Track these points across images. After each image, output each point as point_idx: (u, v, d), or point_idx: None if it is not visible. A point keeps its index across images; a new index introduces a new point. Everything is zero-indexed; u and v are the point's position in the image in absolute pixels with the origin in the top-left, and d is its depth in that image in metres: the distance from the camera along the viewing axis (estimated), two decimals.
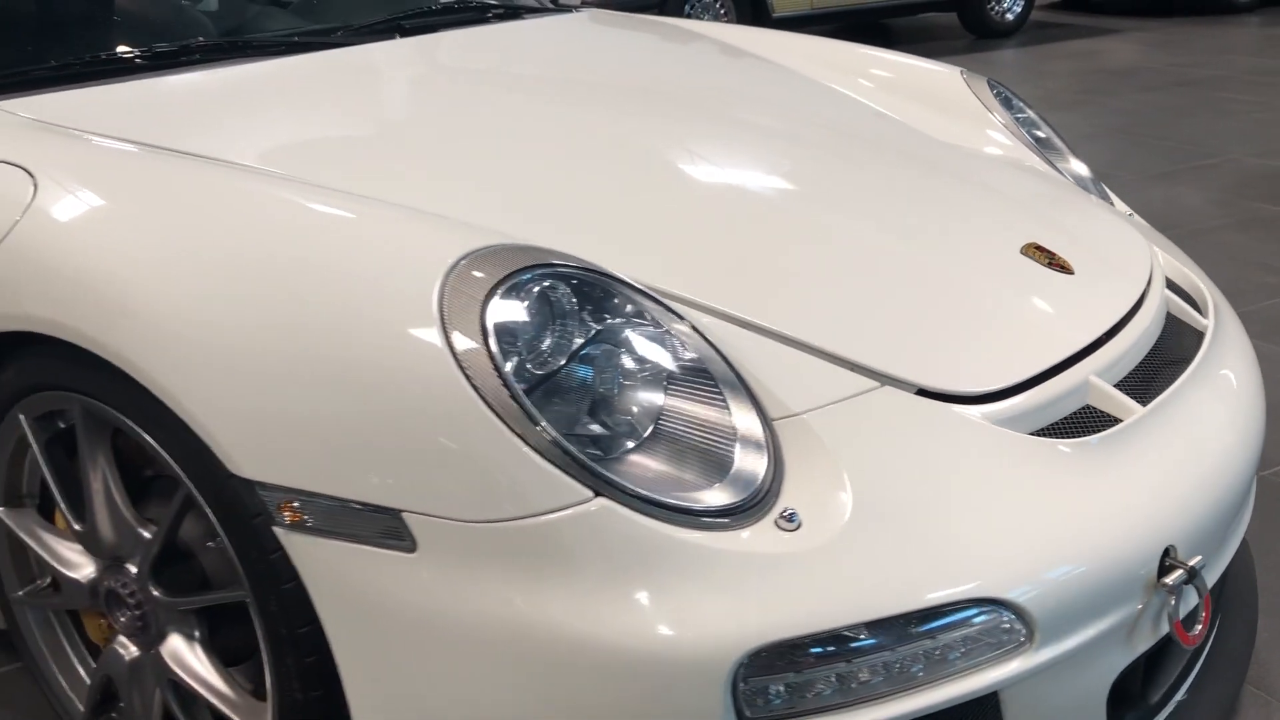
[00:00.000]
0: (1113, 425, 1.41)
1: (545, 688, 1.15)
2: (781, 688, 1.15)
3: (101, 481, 1.46)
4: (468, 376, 1.16)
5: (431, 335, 1.17)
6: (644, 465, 1.20)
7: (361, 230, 1.30)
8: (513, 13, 2.41)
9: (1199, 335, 1.68)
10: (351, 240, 1.29)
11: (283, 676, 1.33)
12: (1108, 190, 2.20)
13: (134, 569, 1.47)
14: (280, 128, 1.76)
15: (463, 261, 1.23)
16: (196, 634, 1.47)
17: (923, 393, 1.35)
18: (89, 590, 1.54)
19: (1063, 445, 1.35)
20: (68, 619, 1.68)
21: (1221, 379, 1.59)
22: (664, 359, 1.25)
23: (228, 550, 1.32)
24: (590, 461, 1.15)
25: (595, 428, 1.21)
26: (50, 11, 2.11)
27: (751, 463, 1.21)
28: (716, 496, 1.18)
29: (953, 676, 1.20)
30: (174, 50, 1.92)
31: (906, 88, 2.26)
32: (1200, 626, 1.38)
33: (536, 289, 1.24)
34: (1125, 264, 1.72)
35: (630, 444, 1.21)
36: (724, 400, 1.24)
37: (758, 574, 1.14)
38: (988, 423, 1.34)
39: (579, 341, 1.23)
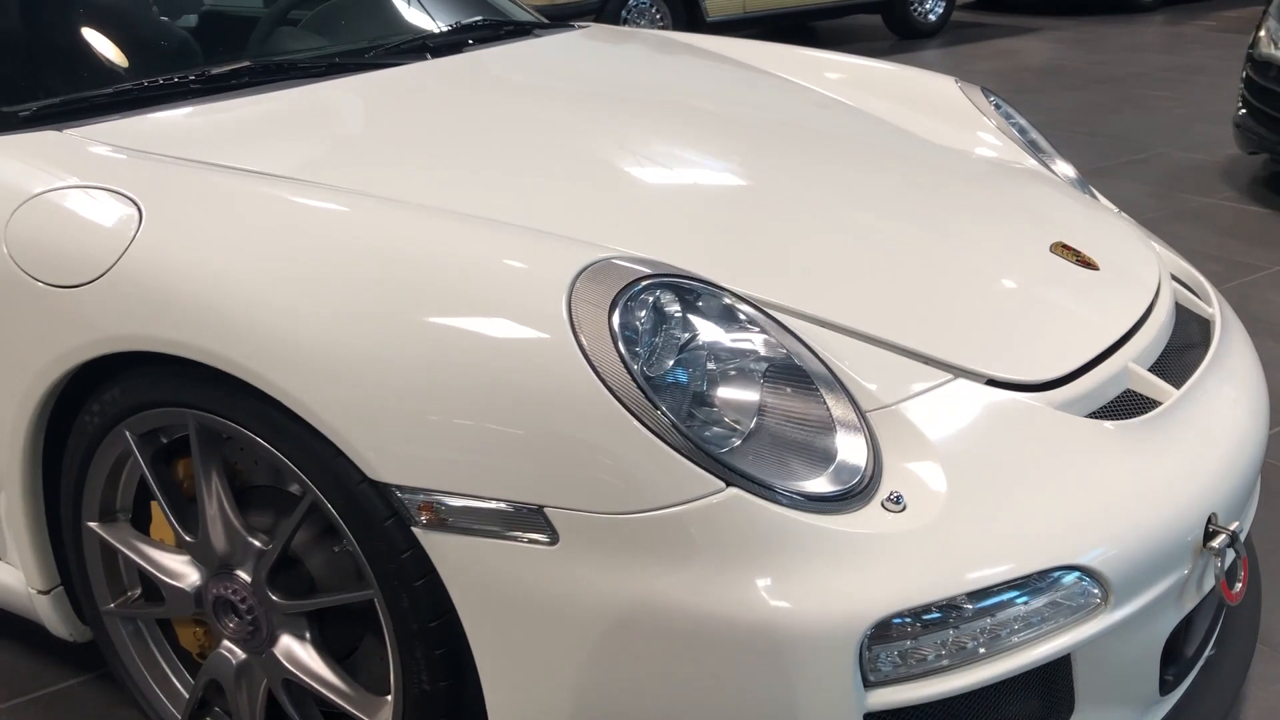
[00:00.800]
0: (1153, 408, 1.55)
1: (684, 669, 1.25)
2: (896, 655, 1.27)
3: (214, 493, 1.52)
4: (601, 378, 1.25)
5: (563, 340, 1.27)
6: (757, 456, 1.30)
7: (481, 248, 1.38)
8: (523, 30, 2.50)
9: (1205, 322, 1.85)
10: (474, 257, 1.37)
11: (410, 669, 1.41)
12: (1094, 190, 2.36)
13: (246, 576, 1.53)
14: (357, 148, 1.83)
15: (584, 273, 1.32)
16: (307, 635, 1.54)
17: (991, 383, 1.48)
18: (194, 599, 1.60)
19: (1114, 426, 1.49)
20: (158, 628, 1.73)
21: (1233, 362, 1.74)
22: (762, 358, 1.36)
23: (355, 553, 1.40)
24: (719, 454, 1.25)
25: (706, 424, 1.31)
26: (83, 38, 2.14)
27: (853, 451, 1.32)
28: (826, 484, 1.29)
29: (1040, 638, 1.32)
30: (224, 74, 1.97)
31: (905, 96, 2.40)
32: (1240, 584, 1.53)
33: (650, 297, 1.33)
34: (1137, 259, 1.87)
35: (737, 440, 1.31)
36: (820, 394, 1.35)
37: (874, 552, 1.26)
38: (1050, 408, 1.47)
39: (689, 344, 1.33)
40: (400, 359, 1.30)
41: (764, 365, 1.35)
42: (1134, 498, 1.42)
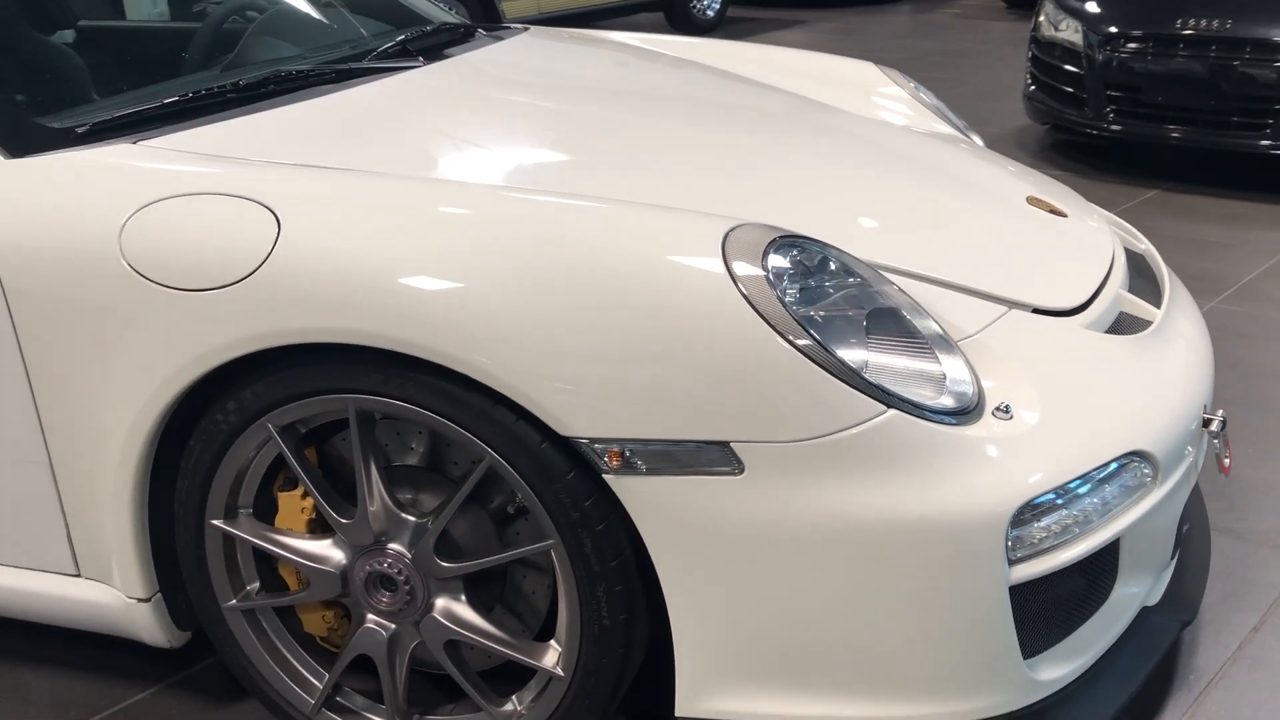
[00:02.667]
0: (1143, 326, 1.87)
1: (863, 574, 1.45)
2: (1021, 536, 1.52)
3: (372, 474, 1.61)
4: (767, 320, 1.43)
5: (726, 289, 1.44)
6: (892, 383, 1.52)
7: (632, 217, 1.54)
8: (470, 33, 2.62)
9: (1141, 256, 2.20)
10: (629, 225, 1.52)
11: (590, 608, 1.55)
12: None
13: (402, 548, 1.63)
14: (431, 145, 1.92)
15: (731, 232, 1.51)
16: (463, 595, 1.65)
17: (1036, 310, 1.76)
18: (340, 579, 1.67)
19: (1130, 340, 1.80)
20: (278, 619, 1.79)
21: (1177, 286, 2.10)
22: (872, 301, 1.57)
23: (533, 508, 1.53)
24: (874, 381, 1.47)
25: (845, 357, 1.51)
26: (81, 53, 2.12)
27: (959, 374, 1.56)
28: (950, 401, 1.53)
29: (1115, 514, 1.61)
30: (254, 83, 2.02)
31: (836, 81, 2.67)
32: (1229, 460, 1.88)
33: (789, 250, 1.53)
34: (1083, 208, 2.21)
35: (868, 370, 1.52)
36: (922, 331, 1.58)
37: (1001, 453, 1.50)
38: (1082, 329, 1.77)
39: (822, 288, 1.53)
40: (578, 321, 1.44)
41: (873, 307, 1.57)
42: (1158, 394, 1.73)
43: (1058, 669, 1.61)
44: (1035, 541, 1.53)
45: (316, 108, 1.99)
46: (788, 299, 1.47)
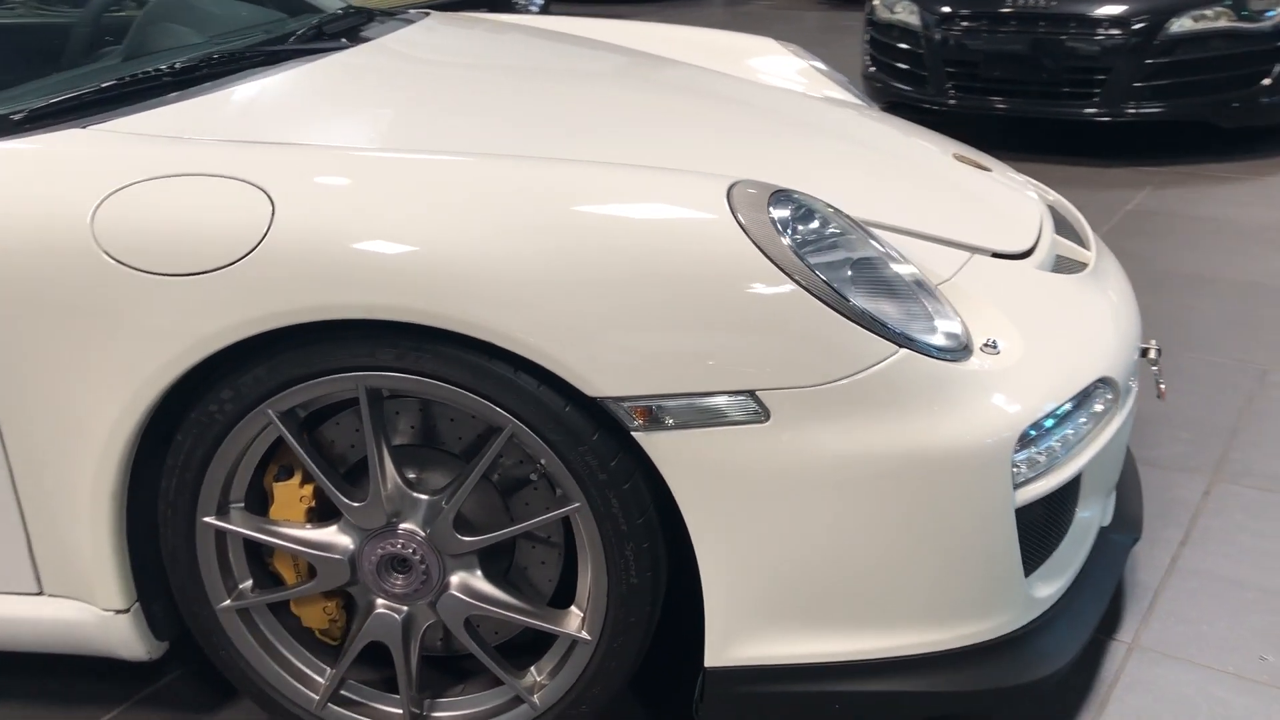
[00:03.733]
0: (1080, 267, 2.01)
1: (886, 507, 1.51)
2: (1023, 461, 1.60)
3: (384, 454, 1.57)
4: (781, 268, 1.47)
5: (738, 240, 1.47)
6: (894, 324, 1.58)
7: (636, 178, 1.55)
8: (370, 18, 2.58)
9: (1052, 205, 2.35)
10: (634, 186, 1.53)
11: (617, 567, 1.56)
12: None
13: (415, 527, 1.60)
14: (393, 119, 1.88)
15: (734, 187, 1.54)
16: (479, 569, 1.64)
17: (995, 255, 1.86)
18: (349, 566, 1.63)
19: (1076, 280, 1.92)
20: (273, 616, 1.72)
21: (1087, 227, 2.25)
22: (861, 249, 1.64)
23: (559, 473, 1.53)
24: (886, 323, 1.53)
25: (856, 301, 1.56)
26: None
27: (946, 314, 1.64)
28: (944, 340, 1.61)
29: (1092, 437, 1.72)
30: (190, 66, 1.94)
31: (740, 54, 2.75)
32: (1163, 386, 2.03)
33: (785, 202, 1.58)
34: (997, 163, 2.34)
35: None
36: (907, 278, 1.65)
37: (996, 385, 1.59)
38: (1036, 270, 1.88)
39: (821, 237, 1.58)
40: (598, 282, 1.45)
41: (860, 255, 1.63)
42: (1108, 327, 1.86)
43: (1047, 587, 1.72)
44: (1031, 466, 1.62)
45: (262, 88, 1.92)
46: (797, 248, 1.52)
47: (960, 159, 2.21)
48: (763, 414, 1.49)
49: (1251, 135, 5.05)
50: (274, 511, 1.66)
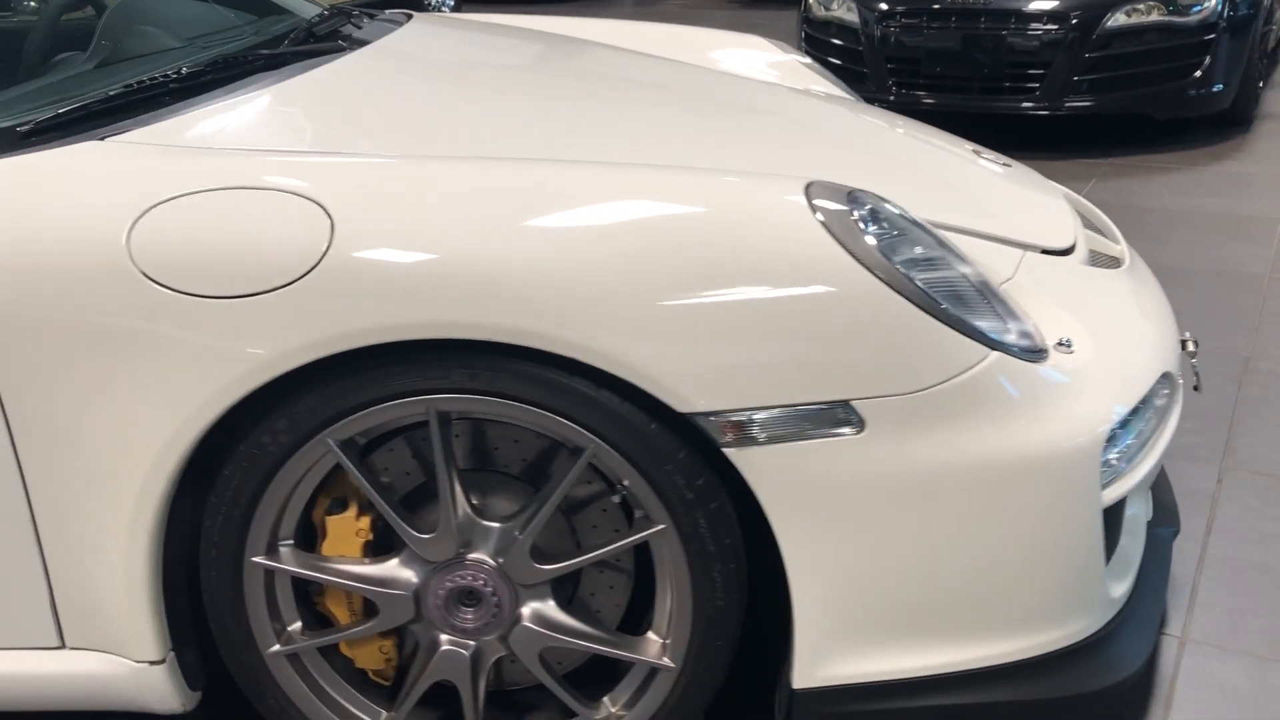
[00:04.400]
0: (1115, 263, 1.99)
1: (980, 513, 1.46)
2: (1108, 460, 1.57)
3: (454, 481, 1.47)
4: (871, 271, 1.41)
5: (826, 243, 1.41)
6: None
7: (711, 186, 1.48)
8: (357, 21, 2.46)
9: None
10: (714, 195, 1.46)
11: (704, 591, 1.49)
12: None
13: (487, 557, 1.51)
14: (432, 126, 1.77)
15: (809, 188, 1.48)
16: (551, 598, 1.55)
17: (1045, 252, 1.83)
18: (413, 602, 1.53)
19: (1121, 274, 1.91)
20: (323, 660, 1.61)
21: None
22: (929, 252, 1.59)
23: (641, 492, 1.45)
24: (976, 325, 1.48)
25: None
26: None
27: (1015, 314, 1.60)
28: (1024, 341, 1.57)
29: (1159, 433, 1.70)
30: (195, 73, 1.80)
31: (743, 54, 2.70)
32: (1197, 379, 2.03)
33: (859, 204, 1.52)
34: (1008, 158, 2.33)
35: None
36: (975, 278, 1.61)
37: (1079, 384, 1.55)
38: (1082, 265, 1.86)
39: (901, 240, 1.53)
40: (687, 293, 1.37)
41: (931, 255, 1.59)
42: (1158, 321, 1.85)
43: (1119, 586, 1.69)
44: (1112, 465, 1.59)
45: (280, 95, 1.80)
46: (882, 249, 1.46)
47: (980, 154, 2.18)
48: (857, 424, 1.43)
49: (1183, 126, 5.18)
50: (326, 548, 1.55)
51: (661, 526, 1.47)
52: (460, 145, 1.70)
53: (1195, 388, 2.02)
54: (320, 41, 2.13)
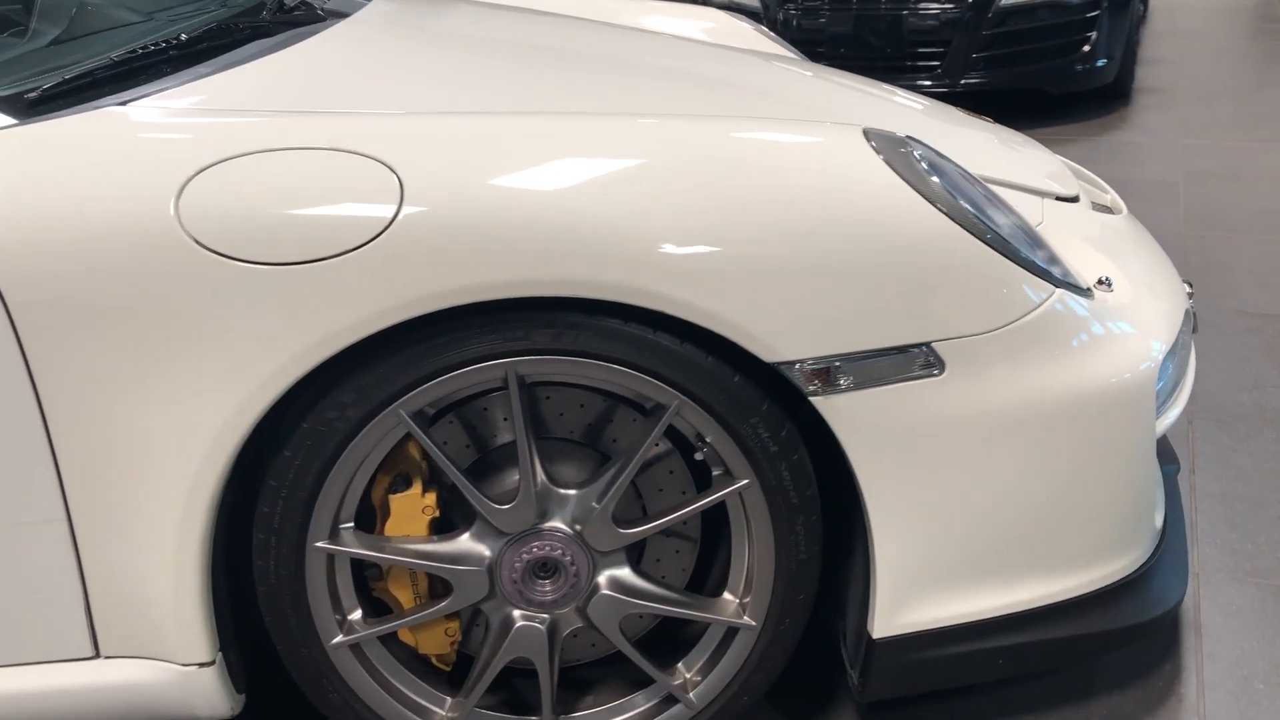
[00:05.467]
0: (1107, 209, 2.05)
1: (1049, 448, 1.47)
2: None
3: (533, 448, 1.41)
4: (944, 211, 1.41)
5: (903, 189, 1.40)
6: None
7: (784, 134, 1.45)
8: None
9: None
10: (788, 142, 1.44)
11: (787, 544, 1.47)
12: None
13: (564, 525, 1.45)
14: (451, 83, 1.70)
15: (868, 134, 1.47)
16: (627, 564, 1.50)
17: (1059, 199, 1.87)
18: (487, 577, 1.46)
19: (1124, 219, 1.96)
20: (382, 646, 1.53)
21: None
22: (982, 194, 1.60)
23: (726, 448, 1.42)
24: (1041, 264, 1.50)
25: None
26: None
27: (1051, 255, 1.63)
28: (1072, 279, 1.59)
29: (1187, 366, 1.75)
30: (195, 39, 1.69)
31: (708, 24, 2.69)
32: (1195, 321, 2.09)
33: (915, 147, 1.52)
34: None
35: None
36: (1019, 219, 1.63)
37: (1128, 318, 1.58)
38: (1094, 212, 1.90)
39: (956, 184, 1.53)
40: (770, 240, 1.34)
41: (987, 196, 1.60)
42: (1169, 262, 1.90)
43: (1159, 516, 1.74)
44: (1159, 397, 1.63)
45: (293, 61, 1.70)
46: (949, 191, 1.46)
47: (969, 112, 2.21)
48: (938, 366, 1.43)
49: (1072, 100, 5.38)
50: (390, 527, 1.48)
51: (745, 482, 1.44)
52: (504, 103, 1.64)
53: (1194, 329, 2.09)
54: (296, 12, 2.04)
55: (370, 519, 1.50)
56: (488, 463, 1.52)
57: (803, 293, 1.37)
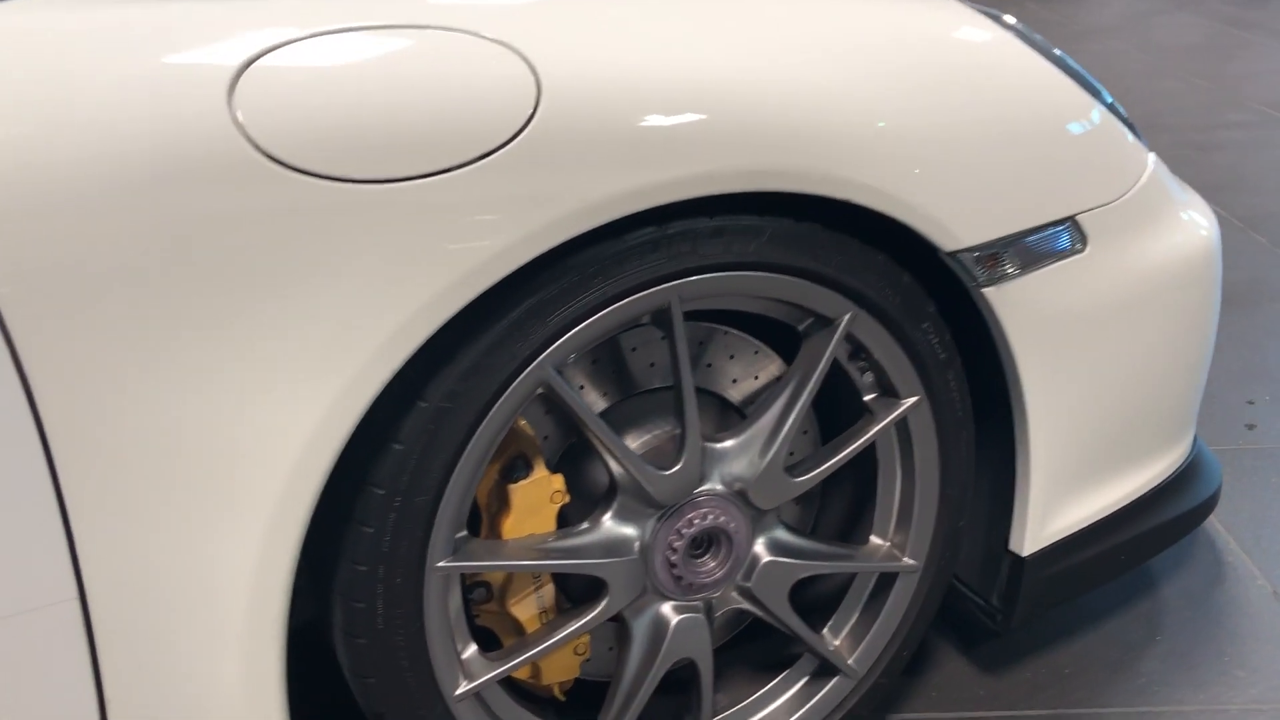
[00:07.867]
0: None
1: (1171, 319, 1.39)
2: None
3: (691, 394, 1.12)
4: (1078, 83, 1.31)
5: (1038, 61, 1.30)
6: None
7: (933, 10, 1.28)
8: None
9: None
10: (941, 18, 1.27)
11: (953, 464, 1.29)
12: None
13: (721, 485, 1.18)
14: None
15: (974, 8, 1.33)
16: (780, 524, 1.25)
17: None
18: (642, 565, 1.16)
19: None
20: (500, 689, 1.18)
21: None
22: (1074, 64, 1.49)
23: (895, 363, 1.21)
24: (1135, 127, 1.41)
25: None
26: None
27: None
28: None
29: None
30: None
31: None
32: None
33: (1016, 23, 1.39)
34: None
35: None
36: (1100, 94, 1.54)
37: (1178, 188, 1.53)
38: None
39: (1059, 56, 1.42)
40: (942, 122, 1.17)
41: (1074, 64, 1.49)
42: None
43: None
44: None
45: None
46: (1063, 63, 1.35)
47: None
48: (1081, 242, 1.30)
49: None
50: (511, 525, 1.13)
51: (915, 399, 1.24)
52: None
53: None
54: None
55: (474, 521, 1.15)
56: (573, 453, 1.22)
57: (979, 174, 1.20)
